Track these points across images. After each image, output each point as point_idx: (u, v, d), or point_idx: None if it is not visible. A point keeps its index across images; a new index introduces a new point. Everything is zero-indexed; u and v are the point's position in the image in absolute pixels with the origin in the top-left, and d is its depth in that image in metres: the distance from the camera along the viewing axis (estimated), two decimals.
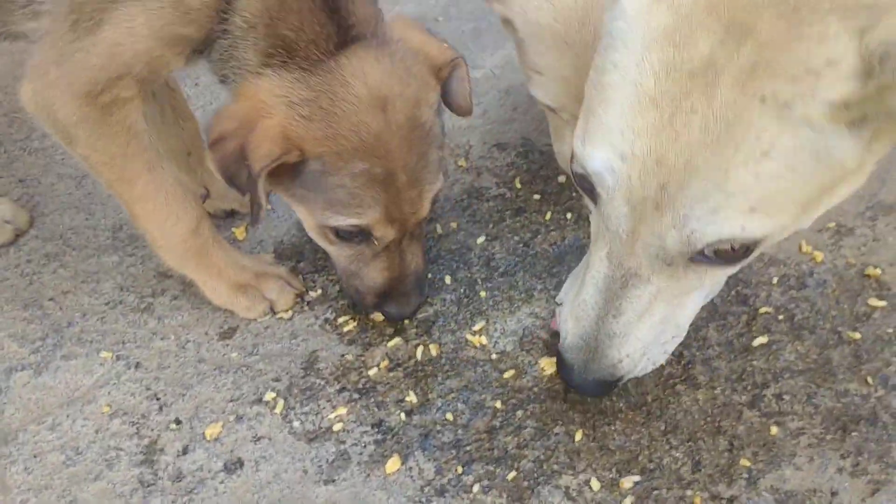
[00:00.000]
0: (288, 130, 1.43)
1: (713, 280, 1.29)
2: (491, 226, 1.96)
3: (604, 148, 1.13)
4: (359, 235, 1.57)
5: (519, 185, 2.05)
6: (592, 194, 1.21)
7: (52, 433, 1.60)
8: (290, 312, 1.80)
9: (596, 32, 1.62)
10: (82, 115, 1.47)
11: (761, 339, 1.68)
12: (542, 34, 1.72)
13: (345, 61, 1.45)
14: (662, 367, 1.64)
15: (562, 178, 2.05)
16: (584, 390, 1.44)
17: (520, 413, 1.60)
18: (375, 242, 1.59)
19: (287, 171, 1.47)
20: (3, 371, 1.70)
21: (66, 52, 1.44)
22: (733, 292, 1.77)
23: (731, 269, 1.26)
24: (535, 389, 1.63)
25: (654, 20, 1.06)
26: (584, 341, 1.35)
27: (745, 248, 1.15)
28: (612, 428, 1.57)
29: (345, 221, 1.53)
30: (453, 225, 1.97)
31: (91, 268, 1.90)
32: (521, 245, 1.91)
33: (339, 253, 1.65)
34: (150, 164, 1.58)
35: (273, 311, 1.80)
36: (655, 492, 1.47)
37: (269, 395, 1.64)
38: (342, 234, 1.57)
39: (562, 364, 1.42)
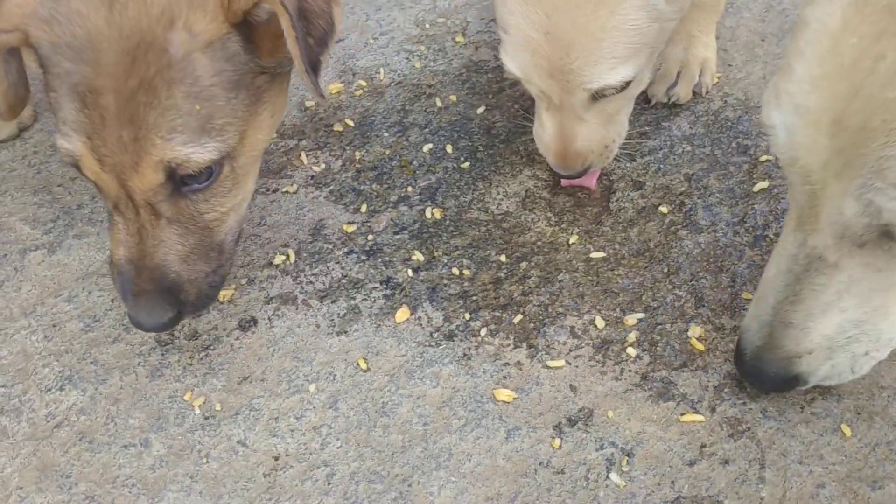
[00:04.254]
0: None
1: None
2: (490, 96, 1.96)
3: (782, 102, 0.98)
4: (76, 168, 1.28)
5: None
6: None
7: (69, 304, 1.64)
8: (294, 187, 1.82)
9: None
10: None
11: (762, 185, 1.69)
12: None
13: None
14: (663, 214, 1.67)
15: None
16: (753, 377, 1.23)
17: (524, 265, 1.63)
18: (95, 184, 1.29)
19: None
20: (17, 252, 1.73)
21: None
22: (734, 143, 1.77)
23: None
24: (539, 243, 1.66)
25: None
26: (758, 324, 1.16)
27: None
28: (616, 273, 1.59)
29: (58, 140, 1.25)
30: (453, 98, 1.97)
31: None
32: (521, 112, 1.92)
33: None
34: None
35: None
36: (659, 326, 1.51)
37: (279, 259, 1.67)
38: (65, 161, 1.27)
39: (736, 346, 1.25)
